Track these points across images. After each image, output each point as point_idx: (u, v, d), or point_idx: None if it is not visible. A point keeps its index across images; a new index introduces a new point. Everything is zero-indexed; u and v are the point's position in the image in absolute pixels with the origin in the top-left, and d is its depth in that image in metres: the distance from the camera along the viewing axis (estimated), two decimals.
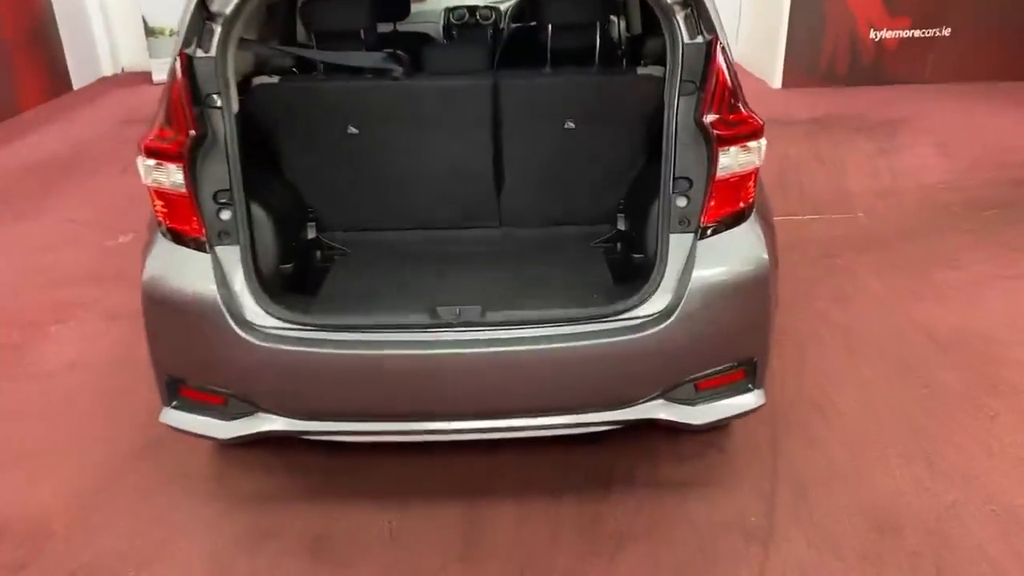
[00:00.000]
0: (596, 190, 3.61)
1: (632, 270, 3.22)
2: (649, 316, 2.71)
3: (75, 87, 10.22)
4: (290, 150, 3.43)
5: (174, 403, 2.88)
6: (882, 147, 7.21)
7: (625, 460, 3.33)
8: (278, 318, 2.70)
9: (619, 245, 3.66)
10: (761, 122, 2.72)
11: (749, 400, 2.90)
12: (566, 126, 3.37)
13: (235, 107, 2.71)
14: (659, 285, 2.72)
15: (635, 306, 2.71)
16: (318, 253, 3.66)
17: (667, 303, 2.71)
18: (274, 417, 2.80)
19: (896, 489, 3.18)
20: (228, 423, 2.83)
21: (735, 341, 2.82)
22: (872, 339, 4.19)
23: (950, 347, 4.12)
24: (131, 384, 3.82)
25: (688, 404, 2.85)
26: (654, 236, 3.04)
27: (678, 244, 2.74)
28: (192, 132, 2.61)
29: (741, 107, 2.73)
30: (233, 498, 3.22)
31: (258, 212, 3.05)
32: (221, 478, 3.32)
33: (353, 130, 3.34)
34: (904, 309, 4.48)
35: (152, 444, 3.47)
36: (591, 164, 3.51)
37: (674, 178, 2.72)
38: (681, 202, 2.74)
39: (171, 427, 2.91)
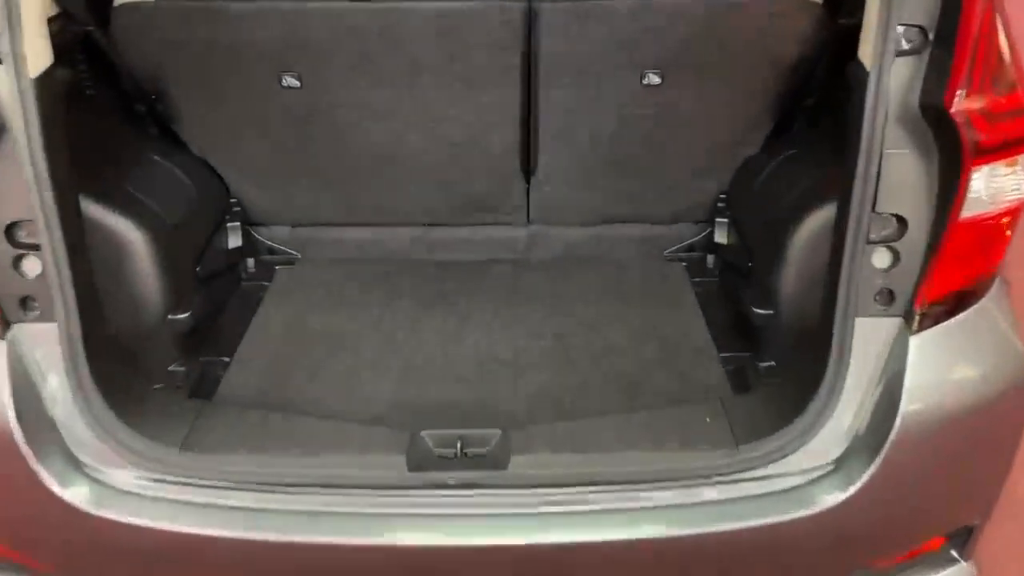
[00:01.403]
0: (682, 176, 2.32)
1: (748, 328, 1.97)
2: (814, 471, 1.48)
3: None
4: (191, 110, 2.12)
5: None
6: None
7: None
8: (131, 458, 1.48)
9: (712, 260, 2.40)
10: None
11: None
12: (647, 81, 2.04)
13: (43, 56, 1.41)
14: (834, 411, 1.47)
15: (791, 451, 1.47)
16: (250, 263, 2.40)
17: (848, 447, 1.48)
18: None
19: None
20: None
21: (959, 501, 1.61)
22: None
23: None
24: None
25: None
26: (796, 286, 1.79)
27: (871, 337, 1.48)
28: None
29: (1012, 80, 1.41)
30: None
31: (125, 232, 1.81)
32: None
33: (292, 81, 2.01)
34: None
35: None
36: (681, 137, 2.20)
37: (873, 214, 1.43)
38: (882, 260, 1.47)
39: None
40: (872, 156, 1.39)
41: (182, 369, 1.94)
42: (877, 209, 1.43)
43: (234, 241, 2.31)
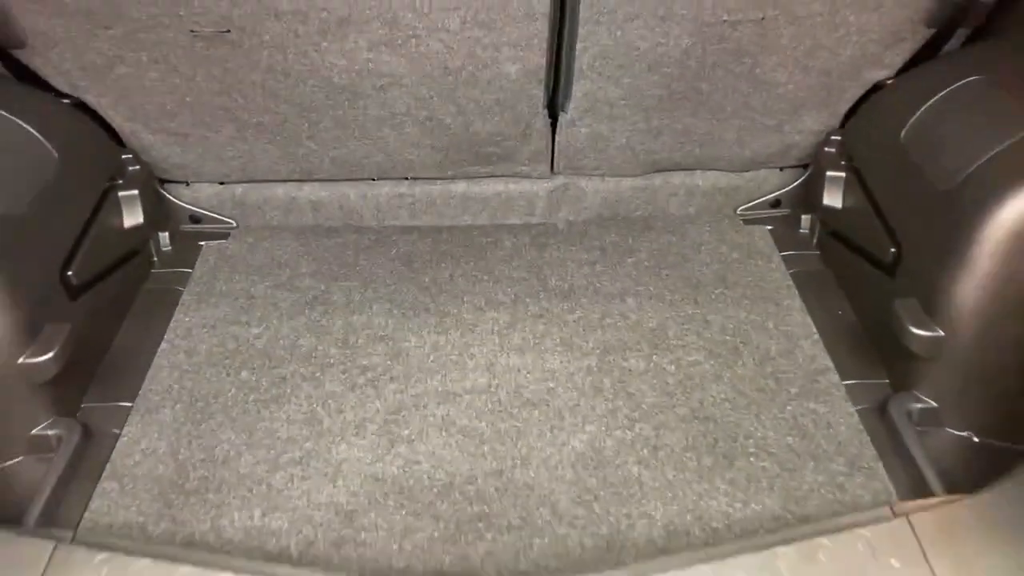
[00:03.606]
0: (773, 106, 1.62)
1: (896, 351, 1.33)
2: None
3: None
4: (53, 32, 1.38)
5: None
6: None
7: None
8: None
9: (808, 222, 1.74)
10: None
11: None
12: None
13: None
14: None
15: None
16: (162, 238, 1.71)
17: None
18: None
19: None
20: None
21: None
22: None
23: None
24: None
25: None
26: (991, 297, 1.17)
27: None
28: None
29: None
30: None
31: None
32: None
33: None
34: None
35: None
36: (773, 50, 1.50)
37: None
38: None
39: None
40: None
41: (52, 432, 1.29)
42: None
43: (132, 216, 1.60)
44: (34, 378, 1.25)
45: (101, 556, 0.98)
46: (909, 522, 1.01)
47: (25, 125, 1.37)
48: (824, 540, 0.98)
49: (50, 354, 1.25)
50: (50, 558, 0.98)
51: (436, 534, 1.18)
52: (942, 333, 1.25)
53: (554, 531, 1.18)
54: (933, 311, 1.27)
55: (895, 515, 1.02)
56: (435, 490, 1.24)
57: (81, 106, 1.53)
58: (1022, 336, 1.20)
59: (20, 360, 1.23)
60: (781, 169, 1.77)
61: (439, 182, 1.76)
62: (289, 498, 1.23)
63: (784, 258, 1.69)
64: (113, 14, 1.37)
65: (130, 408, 1.37)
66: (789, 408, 1.36)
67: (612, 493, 1.23)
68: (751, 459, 1.28)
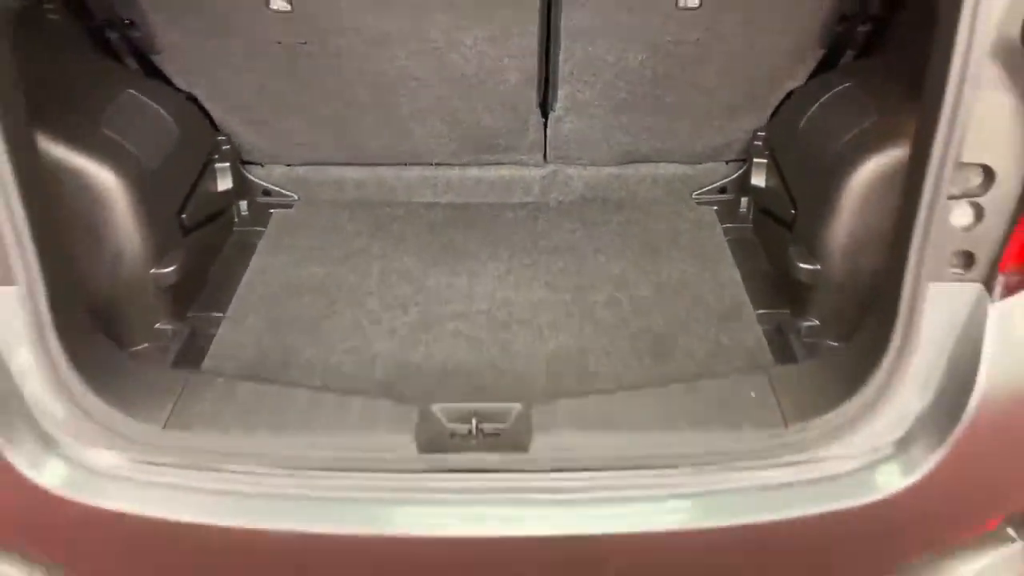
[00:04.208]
0: (715, 109, 2.10)
1: (792, 285, 1.79)
2: (873, 453, 1.32)
3: None
4: (174, 40, 1.90)
5: None
6: None
7: None
8: (106, 437, 1.32)
9: (745, 204, 2.20)
10: None
11: (1011, 560, 1.55)
12: (683, 3, 1.81)
13: None
14: (900, 387, 1.31)
15: (846, 433, 1.31)
16: (243, 206, 2.21)
17: (912, 427, 1.31)
18: None
19: None
20: None
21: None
22: None
23: None
24: None
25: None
26: (851, 238, 1.60)
27: (946, 305, 1.30)
28: None
29: None
30: None
31: (98, 176, 1.62)
32: None
33: (281, 4, 1.79)
34: None
35: None
36: (717, 67, 1.98)
37: (955, 164, 1.23)
38: (962, 217, 1.27)
39: None
40: (961, 96, 1.18)
41: (169, 327, 1.77)
42: (964, 158, 1.23)
43: (224, 183, 2.11)
44: (159, 284, 1.73)
45: (221, 380, 1.46)
46: (769, 374, 1.46)
47: (159, 108, 1.88)
48: (710, 381, 1.45)
49: (171, 268, 1.74)
50: (183, 386, 1.46)
51: (448, 398, 1.62)
52: (820, 267, 1.71)
53: (532, 397, 1.63)
54: (814, 251, 1.72)
55: (764, 373, 1.48)
56: (446, 373, 1.69)
57: (191, 98, 2.05)
58: (876, 266, 1.64)
59: (152, 271, 1.72)
60: (727, 163, 2.24)
61: (456, 167, 2.25)
62: (342, 375, 1.69)
63: (724, 230, 2.15)
64: (221, 29, 1.89)
65: (222, 317, 1.85)
66: (713, 329, 1.81)
67: (575, 377, 1.68)
68: (680, 360, 1.72)
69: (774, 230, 1.98)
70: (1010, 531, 1.58)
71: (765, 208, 2.09)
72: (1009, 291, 1.28)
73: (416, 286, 1.95)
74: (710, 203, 2.25)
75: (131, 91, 1.85)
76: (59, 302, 1.32)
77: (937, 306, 1.29)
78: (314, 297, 1.91)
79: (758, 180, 2.11)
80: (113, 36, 1.89)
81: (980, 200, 1.26)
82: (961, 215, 1.27)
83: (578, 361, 1.70)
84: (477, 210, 2.24)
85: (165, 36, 1.90)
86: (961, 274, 1.29)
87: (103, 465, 1.32)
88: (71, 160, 1.57)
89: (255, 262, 2.03)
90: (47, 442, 1.32)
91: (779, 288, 1.88)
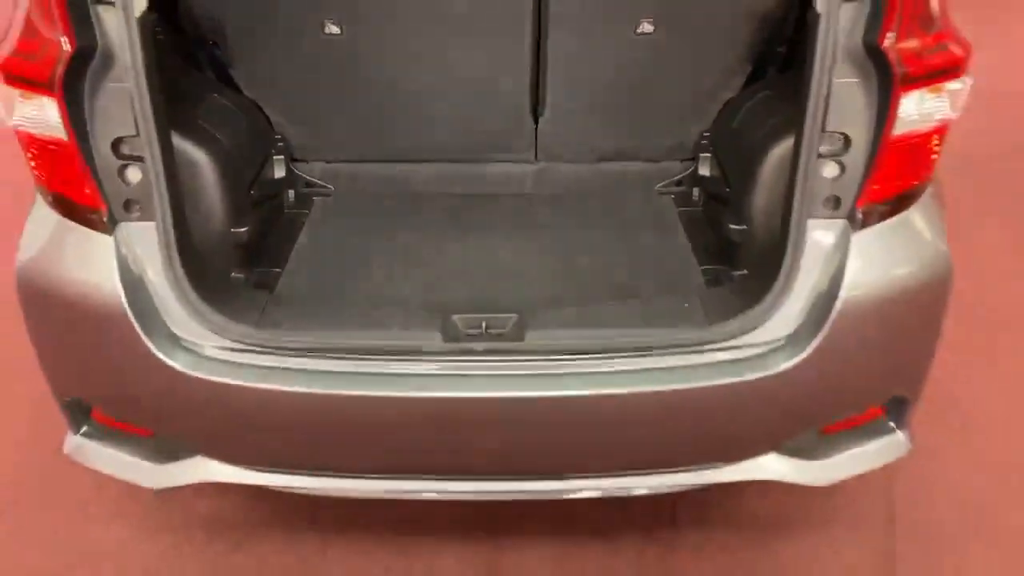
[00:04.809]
0: (671, 116, 2.64)
1: (726, 245, 2.30)
2: (771, 344, 1.82)
3: None
4: (245, 56, 2.43)
5: (84, 429, 2.05)
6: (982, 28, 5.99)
7: (696, 492, 2.52)
8: (216, 332, 1.81)
9: (696, 192, 2.72)
10: (968, 49, 1.74)
11: (890, 447, 2.05)
12: (640, 29, 2.35)
13: (141, 2, 1.71)
14: (788, 297, 1.81)
15: (751, 328, 1.81)
16: (291, 194, 2.72)
17: (799, 324, 1.81)
18: (220, 465, 1.96)
19: None
20: (158, 466, 2.00)
21: (891, 374, 1.95)
22: (1009, 320, 3.28)
23: None
24: None
25: (807, 456, 2.00)
26: (766, 204, 2.12)
27: (820, 235, 1.81)
28: (68, 44, 1.64)
29: (940, 23, 1.73)
30: (183, 529, 2.44)
31: (195, 155, 2.11)
32: (170, 497, 2.52)
33: (332, 28, 2.33)
34: None
35: None
36: (669, 81, 2.52)
37: (823, 133, 1.75)
38: (830, 171, 1.79)
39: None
40: (823, 84, 1.71)
41: (241, 276, 2.26)
42: (827, 129, 1.75)
43: (279, 172, 2.63)
44: (235, 240, 2.23)
45: (292, 298, 1.95)
46: (700, 294, 1.96)
47: (232, 106, 2.41)
48: (658, 298, 1.96)
49: (244, 229, 2.24)
50: (266, 301, 1.95)
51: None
52: (746, 227, 2.22)
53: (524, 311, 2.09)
54: (741, 216, 2.24)
55: (697, 294, 1.98)
56: (462, 302, 2.14)
57: (255, 104, 2.58)
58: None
59: (231, 229, 2.22)
60: (681, 160, 2.77)
61: (464, 163, 2.77)
62: (382, 311, 2.16)
63: (680, 213, 2.66)
64: (283, 50, 2.42)
65: (280, 272, 2.35)
66: (664, 278, 2.31)
67: (549, 302, 2.16)
68: (637, 299, 2.22)
69: (716, 208, 2.50)
70: (891, 424, 2.09)
71: (710, 193, 2.61)
72: (865, 224, 1.80)
73: (434, 251, 2.45)
74: (669, 193, 2.77)
75: (215, 95, 2.37)
76: (180, 237, 1.82)
77: (815, 237, 1.81)
78: (353, 257, 2.41)
79: (704, 171, 2.64)
80: (200, 53, 2.43)
81: (842, 159, 1.78)
82: (829, 170, 1.79)
83: (560, 295, 2.20)
84: (481, 198, 2.76)
85: (239, 54, 2.43)
86: (831, 213, 1.80)
87: (213, 352, 1.82)
88: (179, 143, 2.08)
89: (304, 234, 2.54)
90: (173, 336, 1.82)
91: (718, 250, 2.39)
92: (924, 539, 2.39)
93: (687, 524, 2.44)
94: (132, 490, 2.40)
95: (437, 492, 2.00)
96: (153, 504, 2.48)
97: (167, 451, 2.00)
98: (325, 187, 2.78)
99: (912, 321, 1.87)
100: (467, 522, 2.42)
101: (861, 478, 2.54)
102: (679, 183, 2.79)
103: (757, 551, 2.37)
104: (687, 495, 2.48)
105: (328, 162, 2.76)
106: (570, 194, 2.77)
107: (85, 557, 2.36)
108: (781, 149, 2.13)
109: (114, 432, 2.02)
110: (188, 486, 2.04)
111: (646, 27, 2.34)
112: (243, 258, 2.28)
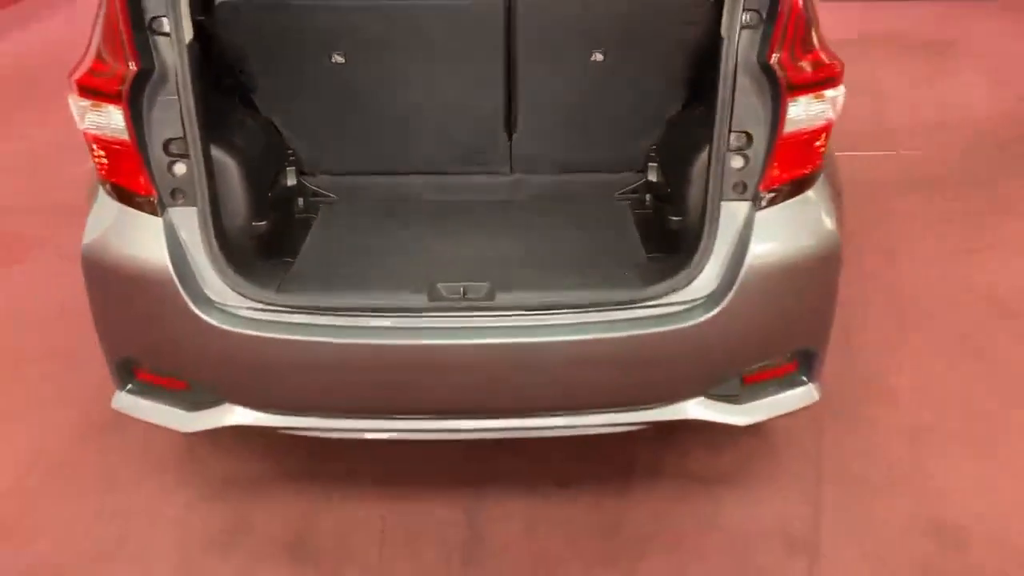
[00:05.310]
0: (624, 133, 3.09)
1: (668, 235, 2.74)
2: (694, 301, 2.25)
3: None
4: (264, 82, 2.90)
5: (129, 387, 2.46)
6: (927, 73, 6.57)
7: (649, 448, 2.93)
8: (244, 296, 2.24)
9: (648, 197, 3.16)
10: (840, 65, 2.20)
11: (802, 396, 2.47)
12: (593, 58, 2.82)
13: (188, 33, 2.17)
14: (707, 264, 2.25)
15: (677, 288, 2.24)
16: (300, 201, 3.16)
17: (716, 286, 2.25)
18: (244, 410, 2.37)
19: (958, 488, 2.78)
20: (191, 413, 2.40)
21: (794, 330, 2.37)
22: (924, 302, 3.73)
23: (1014, 312, 3.67)
24: (91, 342, 3.38)
25: (731, 401, 2.42)
26: (696, 197, 2.55)
27: (731, 214, 2.25)
28: (133, 65, 2.10)
29: (816, 45, 2.20)
30: (204, 485, 2.83)
31: (224, 160, 2.55)
32: (191, 460, 2.93)
33: (338, 58, 2.80)
34: (959, 266, 4.01)
35: (114, 417, 3.05)
36: (620, 103, 2.98)
37: (730, 132, 2.20)
38: (737, 162, 2.24)
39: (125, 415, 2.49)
40: (728, 93, 2.17)
41: (259, 264, 2.69)
42: (733, 128, 2.20)
43: (291, 181, 3.08)
44: (255, 233, 2.66)
45: (306, 272, 2.38)
46: (638, 265, 2.40)
47: (253, 124, 2.86)
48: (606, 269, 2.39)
49: (263, 223, 2.68)
50: (285, 273, 2.39)
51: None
52: (682, 218, 2.66)
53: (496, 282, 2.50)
54: (679, 210, 2.68)
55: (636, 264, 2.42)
56: (447, 276, 2.55)
57: (271, 122, 3.03)
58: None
59: (252, 223, 2.66)
60: (636, 171, 3.22)
61: (450, 175, 3.21)
62: (379, 282, 2.57)
63: (634, 215, 3.11)
64: (295, 77, 2.88)
65: (293, 261, 2.78)
66: (615, 258, 2.73)
67: (517, 275, 2.57)
68: (588, 271, 2.62)
69: (661, 207, 2.95)
70: (803, 377, 2.50)
71: (657, 195, 3.06)
72: (767, 205, 2.25)
73: (422, 244, 2.88)
74: (626, 199, 3.22)
75: (237, 114, 2.83)
76: (215, 221, 2.26)
77: (726, 216, 2.25)
78: (356, 251, 2.83)
79: (653, 178, 3.09)
80: (226, 80, 2.89)
81: (746, 152, 2.23)
82: (736, 161, 2.24)
83: (525, 272, 2.62)
84: (464, 205, 3.19)
85: (259, 80, 2.90)
86: (739, 196, 2.25)
87: (242, 312, 2.24)
88: (211, 150, 2.52)
89: (312, 232, 2.97)
90: (209, 300, 2.24)
91: (661, 239, 2.82)
92: (849, 490, 2.79)
93: (640, 477, 2.83)
94: (157, 458, 2.83)
95: (426, 431, 2.41)
96: (176, 465, 2.88)
97: (198, 402, 2.41)
98: (329, 196, 3.22)
99: (807, 284, 2.30)
100: (453, 473, 2.83)
101: (794, 444, 2.99)
102: (635, 191, 3.24)
103: (701, 499, 2.77)
104: (640, 454, 2.89)
105: (332, 174, 3.21)
106: (541, 201, 3.21)
107: (118, 513, 2.74)
108: (707, 154, 2.58)
109: (154, 387, 2.44)
110: (210, 441, 2.44)
111: (598, 56, 2.82)
112: (262, 248, 2.71)
